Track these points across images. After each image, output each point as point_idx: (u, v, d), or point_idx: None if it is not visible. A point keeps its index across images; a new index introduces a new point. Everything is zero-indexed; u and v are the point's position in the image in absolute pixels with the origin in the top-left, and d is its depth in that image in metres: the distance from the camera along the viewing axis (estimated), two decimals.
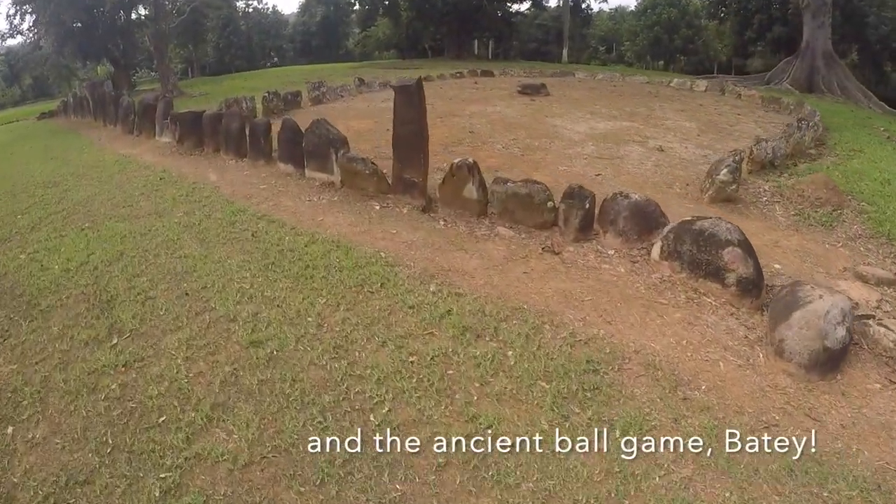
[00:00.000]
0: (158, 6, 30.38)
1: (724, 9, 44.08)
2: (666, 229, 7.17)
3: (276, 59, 65.87)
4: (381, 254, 7.72)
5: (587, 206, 8.06)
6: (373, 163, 9.70)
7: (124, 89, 31.13)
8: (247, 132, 12.58)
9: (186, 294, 7.05)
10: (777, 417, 4.92)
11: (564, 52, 46.89)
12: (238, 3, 61.37)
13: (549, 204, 8.36)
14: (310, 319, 6.32)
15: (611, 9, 58.36)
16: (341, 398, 5.30)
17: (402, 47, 55.12)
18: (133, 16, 40.16)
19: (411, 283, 6.99)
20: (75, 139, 19.65)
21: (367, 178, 9.68)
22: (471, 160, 8.72)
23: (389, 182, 9.65)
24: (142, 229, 9.24)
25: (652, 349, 5.68)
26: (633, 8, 62.10)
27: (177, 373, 5.73)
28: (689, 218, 7.03)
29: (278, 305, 6.60)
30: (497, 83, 25.40)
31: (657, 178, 11.78)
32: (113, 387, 5.66)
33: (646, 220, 7.65)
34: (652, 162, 12.94)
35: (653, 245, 7.36)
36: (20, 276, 8.18)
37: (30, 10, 33.86)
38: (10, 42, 41.81)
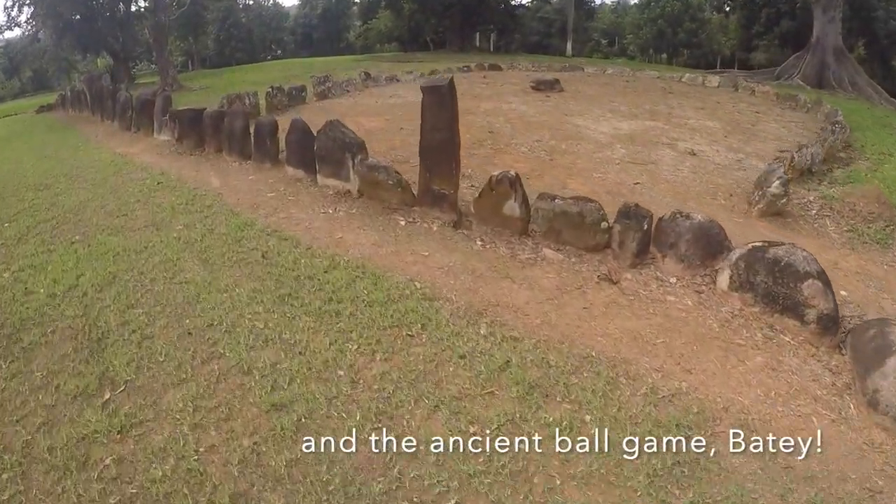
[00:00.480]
0: (157, 1, 28.96)
1: (729, 2, 42.75)
2: (734, 256, 6.33)
3: (279, 51, 64.38)
4: (416, 283, 6.56)
5: (645, 227, 7.06)
6: (397, 172, 8.51)
7: (123, 83, 29.97)
8: (251, 132, 11.48)
9: (189, 334, 5.89)
10: (880, 483, 4.22)
11: (568, 45, 45.67)
12: None
13: (603, 225, 7.27)
14: (341, 373, 5.19)
15: (613, 2, 57.02)
16: (394, 486, 4.18)
17: (404, 40, 53.80)
18: (133, 8, 38.96)
19: (456, 322, 5.87)
20: (71, 135, 18.58)
21: (391, 189, 8.54)
22: (513, 173, 7.58)
23: (415, 193, 8.54)
24: (137, 245, 8.09)
25: (741, 405, 4.85)
26: (635, 1, 61.04)
27: (184, 446, 4.56)
28: (759, 243, 6.24)
29: (301, 352, 5.46)
30: (507, 78, 24.18)
31: (698, 187, 10.83)
32: (107, 462, 4.51)
33: (709, 243, 6.72)
34: (687, 168, 11.96)
35: (717, 272, 6.52)
36: (2, 300, 7.07)
37: (27, 1, 32.51)
38: (9, 35, 40.55)
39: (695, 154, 12.97)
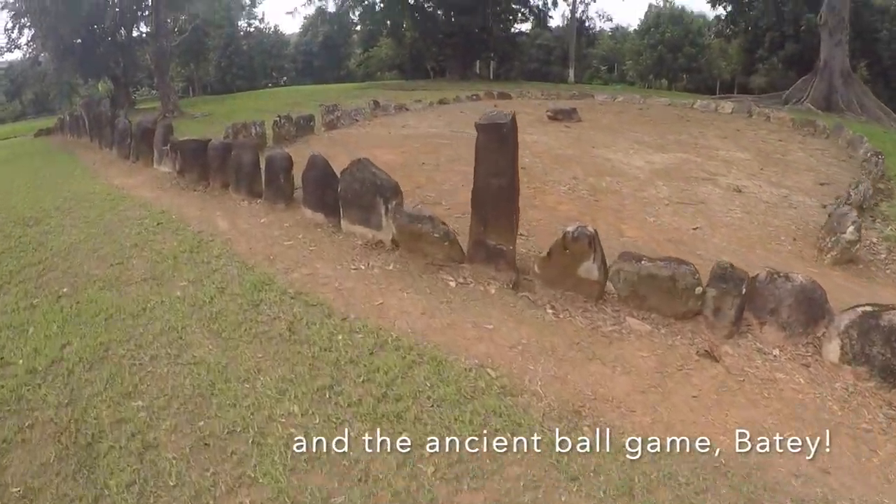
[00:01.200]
0: (160, 23, 27.75)
1: (732, 27, 41.68)
2: (843, 324, 5.43)
3: (283, 79, 63.11)
4: (489, 371, 5.10)
5: (743, 291, 5.90)
6: (444, 223, 7.09)
7: (123, 108, 28.62)
8: (262, 167, 10.10)
9: (205, 444, 4.42)
10: None
11: (570, 72, 44.51)
12: (240, 23, 58.73)
13: (697, 290, 5.94)
14: None
15: (611, 28, 55.86)
16: None
17: (405, 68, 52.69)
18: (134, 33, 37.70)
19: (552, 427, 4.45)
20: (67, 163, 17.29)
21: (436, 243, 7.06)
22: (591, 230, 6.22)
23: (462, 247, 7.15)
24: (134, 306, 6.67)
25: None
26: (633, 28, 60.26)
27: None
28: (868, 308, 5.36)
29: (360, 479, 4.00)
30: (519, 106, 22.81)
31: (757, 231, 9.66)
32: None
33: (811, 307, 5.77)
34: (738, 207, 10.75)
35: (822, 341, 5.64)
36: None
37: (27, 23, 31.18)
38: (11, 57, 39.20)
39: (740, 191, 11.77)
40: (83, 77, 40.49)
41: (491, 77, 49.48)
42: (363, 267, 7.28)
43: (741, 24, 39.99)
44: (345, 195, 8.15)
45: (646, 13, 55.66)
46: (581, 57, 50.92)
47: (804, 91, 30.79)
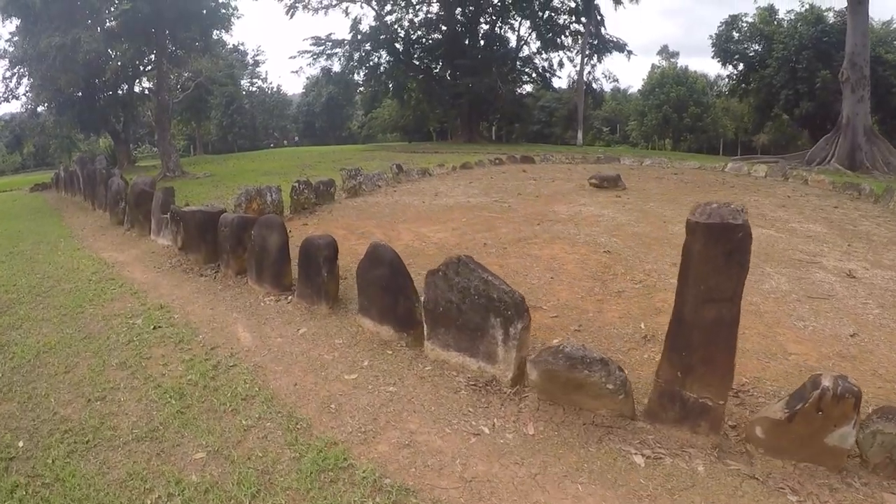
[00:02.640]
0: (162, 77, 25.29)
1: (744, 85, 39.75)
2: None
3: (284, 141, 60.84)
4: None
5: None
6: (620, 369, 4.45)
7: (121, 166, 26.08)
8: (299, 254, 7.46)
9: None
10: None
11: (579, 134, 42.25)
12: (242, 82, 56.62)
13: None
14: None
15: (611, 89, 54.04)
16: None
17: (409, 129, 50.59)
18: (136, 88, 35.35)
19: None
20: (55, 226, 14.95)
21: (603, 396, 4.50)
22: (855, 385, 3.75)
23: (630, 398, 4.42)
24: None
25: None
26: (634, 89, 58.74)
27: None
28: None
29: None
30: (550, 172, 20.49)
31: None
32: None
33: None
34: (868, 299, 8.16)
35: None
36: None
37: (25, 72, 28.75)
38: (11, 108, 36.88)
39: (853, 276, 9.33)
40: (82, 131, 38.09)
41: (493, 139, 47.31)
42: (486, 430, 4.57)
43: (754, 82, 37.83)
44: (435, 307, 5.53)
45: (649, 73, 54.44)
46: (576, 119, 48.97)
47: (827, 150, 28.65)
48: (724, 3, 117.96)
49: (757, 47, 38.60)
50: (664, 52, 61.83)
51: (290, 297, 7.40)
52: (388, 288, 6.02)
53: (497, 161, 23.24)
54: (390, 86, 44.77)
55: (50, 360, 6.23)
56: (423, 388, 5.18)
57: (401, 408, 4.91)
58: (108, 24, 24.71)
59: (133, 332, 6.81)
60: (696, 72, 52.80)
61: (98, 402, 5.25)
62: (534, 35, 43.33)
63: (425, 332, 5.68)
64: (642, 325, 6.43)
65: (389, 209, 13.15)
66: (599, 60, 43.87)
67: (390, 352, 5.89)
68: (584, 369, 4.41)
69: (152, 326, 6.90)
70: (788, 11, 37.99)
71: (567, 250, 9.08)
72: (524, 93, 46.69)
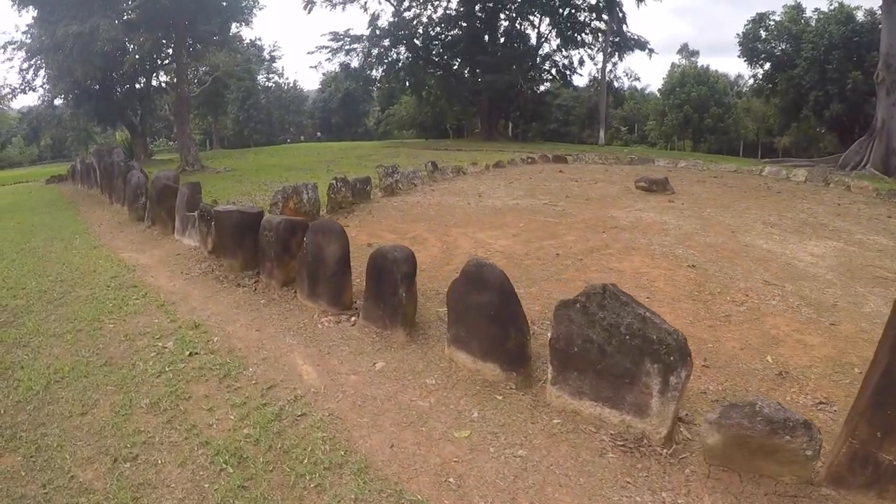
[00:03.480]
0: (181, 68, 23.93)
1: (770, 86, 38.15)
2: None
3: (302, 136, 59.36)
4: None
5: None
6: (818, 431, 3.12)
7: (136, 160, 24.78)
8: (366, 269, 6.52)
9: None
10: None
11: (601, 133, 40.69)
12: (259, 77, 55.21)
13: None
14: None
15: (629, 88, 52.33)
16: None
17: (426, 126, 49.10)
18: (154, 82, 34.00)
19: None
20: (70, 221, 13.55)
21: (792, 459, 3.43)
22: None
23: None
24: None
25: None
26: (651, 88, 57.19)
27: None
28: None
29: None
30: (588, 172, 19.14)
31: None
32: None
33: None
34: None
35: None
36: None
37: (41, 63, 27.40)
38: (28, 101, 35.61)
39: None
40: (99, 124, 36.81)
41: (509, 136, 45.88)
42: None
43: (782, 83, 36.17)
44: (567, 346, 4.24)
45: (669, 73, 52.79)
46: (598, 118, 47.44)
47: (861, 154, 26.99)
48: (737, 2, 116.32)
49: (785, 47, 36.79)
50: (684, 50, 60.45)
51: (353, 319, 6.10)
52: (496, 317, 4.73)
53: (530, 160, 21.89)
54: (409, 82, 43.33)
55: (63, 395, 4.95)
56: (560, 451, 3.89)
57: (541, 479, 3.63)
58: (126, 16, 23.30)
59: (164, 359, 5.49)
60: (716, 71, 51.27)
61: (127, 465, 3.95)
62: (554, 32, 41.92)
63: (550, 376, 4.39)
64: (769, 359, 5.33)
65: (434, 210, 11.82)
66: (621, 58, 42.46)
67: (500, 397, 4.59)
68: (785, 434, 3.34)
69: (187, 352, 5.59)
70: (815, 10, 36.22)
71: (648, 264, 7.89)
72: (544, 91, 45.13)
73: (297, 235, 6.84)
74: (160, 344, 5.83)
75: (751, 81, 45.46)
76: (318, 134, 59.38)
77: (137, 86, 33.05)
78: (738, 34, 37.96)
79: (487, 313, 4.74)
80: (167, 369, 5.27)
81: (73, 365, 5.50)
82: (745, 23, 37.62)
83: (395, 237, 9.50)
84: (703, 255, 8.53)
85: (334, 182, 11.69)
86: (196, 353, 5.57)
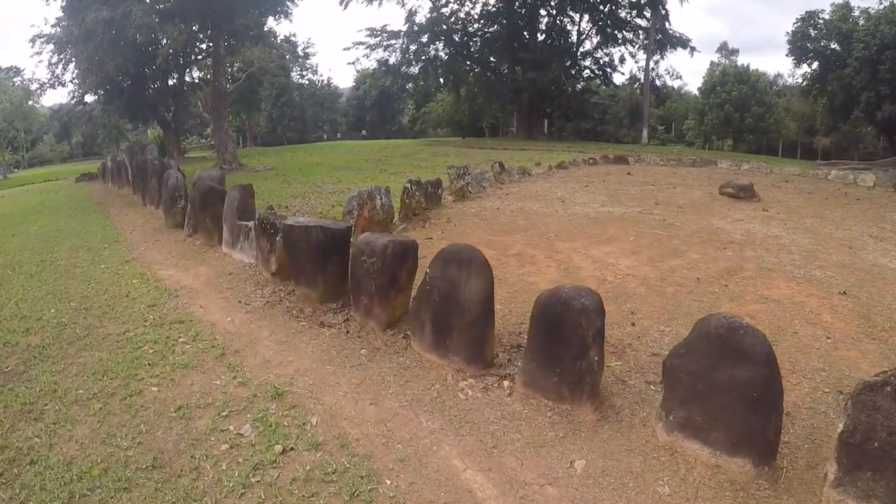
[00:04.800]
0: (218, 63, 22.04)
1: (817, 86, 35.93)
2: None
3: (337, 134, 57.41)
4: None
5: None
6: None
7: (171, 157, 22.98)
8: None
9: None
10: None
11: (644, 132, 38.24)
12: (292, 74, 53.39)
13: None
14: None
15: (670, 87, 49.73)
16: None
17: (463, 125, 47.00)
18: (186, 78, 32.19)
19: None
20: (99, 225, 11.82)
21: None
22: None
23: None
24: None
25: None
26: (688, 87, 54.75)
27: None
28: None
29: None
30: (658, 175, 17.31)
31: None
32: None
33: None
34: None
35: None
36: None
37: (71, 56, 25.55)
38: (60, 99, 33.82)
39: None
40: (131, 121, 35.09)
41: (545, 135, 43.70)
42: None
43: (831, 82, 33.95)
44: (864, 440, 3.06)
45: (708, 71, 50.51)
46: (638, 116, 45.19)
47: None
48: (769, 1, 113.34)
49: (834, 46, 34.65)
50: (723, 49, 57.97)
51: (506, 384, 4.16)
52: (757, 400, 3.20)
53: (591, 161, 19.93)
54: (447, 79, 41.19)
55: None
56: None
57: None
58: (161, 5, 21.39)
59: (242, 458, 3.61)
60: (756, 70, 48.86)
61: None
62: (594, 29, 39.77)
63: (831, 476, 3.12)
64: None
65: (523, 219, 9.94)
66: (662, 56, 40.14)
67: None
68: None
69: (277, 446, 3.64)
70: (864, 10, 33.95)
71: (798, 290, 6.57)
72: (584, 88, 42.86)
73: (408, 262, 4.92)
74: (231, 428, 3.91)
75: (794, 80, 43.40)
76: (364, 132, 57.30)
77: (171, 81, 31.26)
78: (787, 32, 36.31)
79: (744, 395, 3.19)
80: (251, 480, 3.36)
81: (106, 463, 3.63)
82: (795, 21, 35.66)
83: (495, 253, 7.58)
84: (842, 277, 7.16)
85: (408, 186, 9.77)
86: (292, 449, 3.62)
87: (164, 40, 23.85)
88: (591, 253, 7.79)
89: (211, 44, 24.21)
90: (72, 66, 26.57)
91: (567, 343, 3.85)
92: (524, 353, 4.18)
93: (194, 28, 23.46)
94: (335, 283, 5.69)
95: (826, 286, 6.68)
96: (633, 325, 5.40)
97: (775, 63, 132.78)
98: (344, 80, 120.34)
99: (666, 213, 10.93)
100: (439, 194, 11.22)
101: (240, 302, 6.41)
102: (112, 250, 9.38)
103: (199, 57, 30.10)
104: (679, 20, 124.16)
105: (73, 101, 32.06)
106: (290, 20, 67.21)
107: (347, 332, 5.29)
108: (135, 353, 5.19)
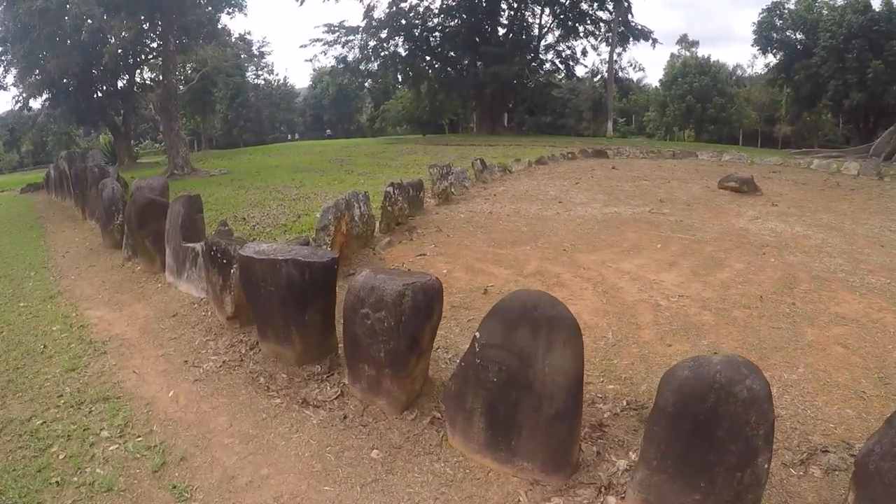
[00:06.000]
0: (168, 59, 19.93)
1: (783, 75, 35.22)
2: None
3: (295, 135, 54.94)
4: None
5: None
6: None
7: (119, 164, 20.96)
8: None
9: None
10: None
11: (609, 124, 36.85)
12: (248, 74, 50.82)
13: None
14: None
15: (630, 79, 48.38)
16: None
17: (423, 122, 45.11)
18: (137, 79, 29.87)
19: None
20: (31, 245, 9.92)
21: None
22: None
23: None
24: None
25: None
26: (647, 80, 53.70)
27: None
28: None
29: None
30: (646, 169, 16.06)
31: None
32: None
33: None
34: None
35: None
36: None
37: (13, 59, 22.98)
38: (7, 105, 30.86)
39: None
40: (79, 125, 32.53)
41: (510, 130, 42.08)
42: None
43: (798, 71, 33.21)
44: None
45: (669, 63, 49.58)
46: (599, 109, 43.92)
47: (889, 143, 24.44)
48: None
49: (800, 36, 34.04)
50: (683, 41, 56.90)
51: (611, 502, 2.46)
52: None
53: (570, 155, 18.53)
54: (407, 75, 39.26)
55: None
56: None
57: None
58: None
59: None
60: (717, 61, 47.93)
61: None
62: (556, 22, 38.38)
63: None
64: None
65: (524, 225, 8.38)
66: (624, 49, 38.85)
67: None
68: None
69: None
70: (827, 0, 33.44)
71: (868, 305, 5.52)
72: (547, 82, 41.28)
73: (433, 316, 3.21)
74: None
75: (753, 71, 42.78)
76: (329, 132, 54.87)
77: (120, 83, 28.89)
78: (753, 22, 35.31)
79: None
80: None
81: None
82: (760, 11, 35.12)
83: (510, 273, 6.00)
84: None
85: (391, 190, 8.04)
86: None
87: (112, 38, 21.67)
88: (622, 268, 6.23)
89: (160, 41, 22.05)
90: (14, 68, 24.05)
91: (722, 448, 2.26)
92: (642, 457, 2.54)
93: (143, 22, 21.26)
94: (318, 336, 3.98)
95: (891, 296, 5.74)
96: None
97: (732, 55, 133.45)
98: (301, 80, 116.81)
99: (677, 212, 9.63)
100: (422, 198, 9.59)
101: (186, 362, 4.63)
102: (37, 280, 7.52)
103: (150, 57, 27.84)
104: (639, 14, 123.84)
105: (17, 107, 29.39)
106: (245, 13, 64.64)
107: (345, 416, 3.56)
108: (38, 460, 3.40)
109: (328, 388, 3.81)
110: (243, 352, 4.60)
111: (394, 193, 8.08)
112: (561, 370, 2.67)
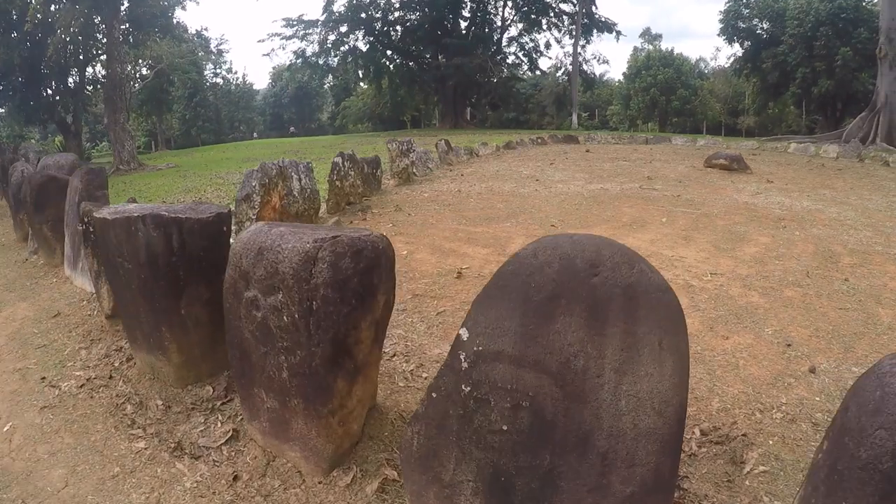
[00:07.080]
0: (112, 46, 18.21)
1: (749, 65, 34.38)
2: None
3: (255, 134, 52.72)
4: None
5: None
6: None
7: (27, 154, 19.02)
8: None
9: None
10: None
11: (574, 117, 35.66)
12: (206, 73, 48.58)
13: None
14: None
15: (594, 73, 47.32)
16: None
17: (383, 119, 43.47)
18: (88, 72, 27.95)
19: None
20: None
21: None
22: None
23: None
24: None
25: None
26: (609, 74, 52.70)
27: None
28: None
29: None
30: (623, 152, 14.97)
31: None
32: None
33: None
34: None
35: None
36: None
37: None
38: None
39: None
40: (27, 124, 30.42)
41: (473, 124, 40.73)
42: None
43: (766, 61, 32.39)
44: None
45: (633, 56, 48.64)
46: (560, 103, 42.78)
47: (864, 129, 23.76)
48: None
49: (766, 25, 33.16)
50: (647, 34, 56.06)
51: None
52: None
53: (539, 141, 17.33)
54: (369, 69, 37.40)
55: None
56: None
57: None
58: None
59: None
60: (681, 54, 47.20)
61: None
62: (518, 15, 37.11)
63: None
64: None
65: (501, 202, 7.00)
66: (588, 41, 37.71)
67: None
68: None
69: None
70: None
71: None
72: (509, 76, 39.95)
73: (373, 301, 1.71)
74: None
75: (716, 64, 42.06)
76: (292, 129, 52.72)
77: (70, 80, 26.83)
78: (720, 11, 34.55)
79: None
80: None
81: None
82: (727, 1, 33.97)
83: (489, 252, 4.65)
84: None
85: (339, 161, 6.58)
86: None
87: (59, 30, 19.85)
88: (630, 243, 4.79)
89: (105, 26, 20.27)
90: None
91: None
92: None
93: (90, 13, 19.46)
94: (204, 340, 2.51)
95: None
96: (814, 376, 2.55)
97: (695, 49, 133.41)
98: (261, 79, 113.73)
99: (670, 188, 8.53)
100: (378, 176, 8.16)
101: (43, 379, 3.18)
102: None
103: (101, 53, 25.84)
104: (603, 9, 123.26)
105: None
106: (197, 2, 62.32)
107: (235, 477, 2.09)
108: None
109: (217, 424, 2.37)
110: (116, 365, 3.15)
111: (343, 165, 6.62)
112: (652, 404, 1.26)
